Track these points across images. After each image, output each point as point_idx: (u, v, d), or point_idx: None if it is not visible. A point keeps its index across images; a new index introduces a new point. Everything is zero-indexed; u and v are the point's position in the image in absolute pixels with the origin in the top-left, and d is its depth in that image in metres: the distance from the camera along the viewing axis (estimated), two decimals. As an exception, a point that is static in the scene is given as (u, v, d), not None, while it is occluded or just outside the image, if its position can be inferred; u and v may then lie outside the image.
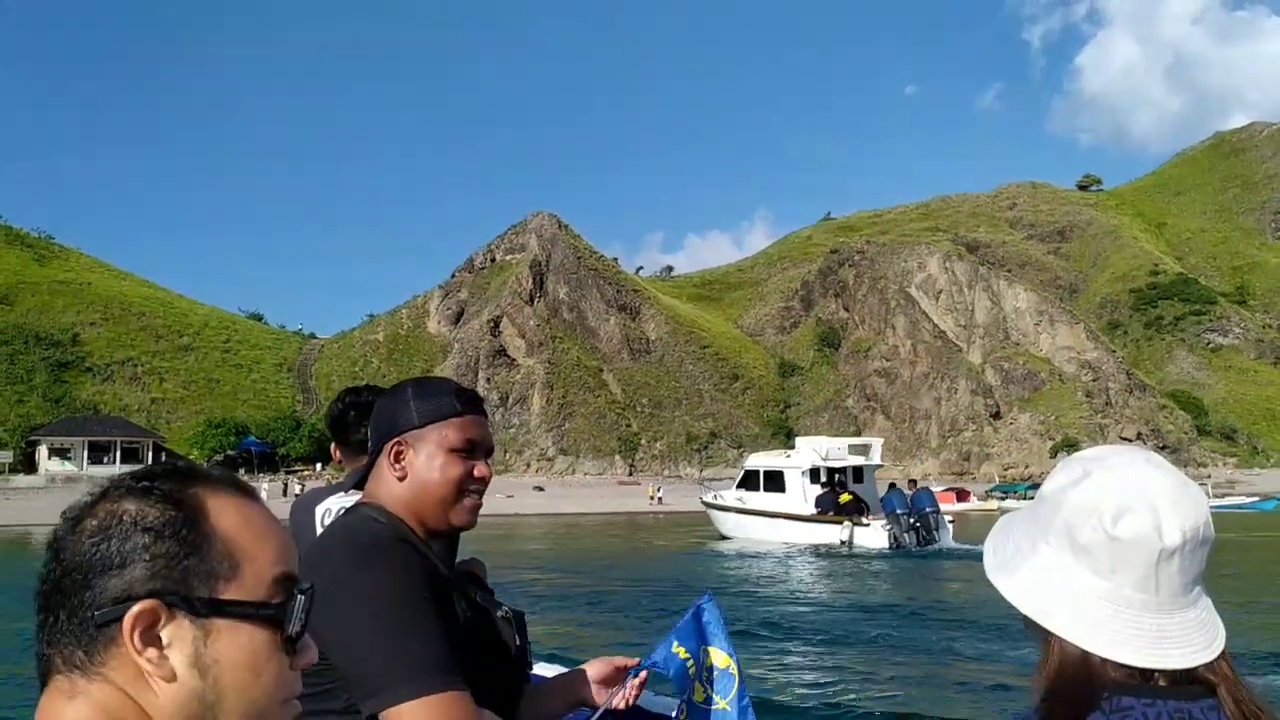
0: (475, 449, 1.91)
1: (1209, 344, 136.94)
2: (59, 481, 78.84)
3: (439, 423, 1.89)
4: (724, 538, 34.67)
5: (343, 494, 2.98)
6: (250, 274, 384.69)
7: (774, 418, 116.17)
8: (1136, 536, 1.14)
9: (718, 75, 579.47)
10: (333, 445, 3.36)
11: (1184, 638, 1.15)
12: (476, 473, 1.91)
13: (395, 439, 1.90)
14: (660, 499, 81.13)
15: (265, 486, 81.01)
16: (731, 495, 35.04)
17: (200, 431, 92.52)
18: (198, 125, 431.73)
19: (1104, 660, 1.15)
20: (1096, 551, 1.17)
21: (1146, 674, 1.15)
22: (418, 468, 1.88)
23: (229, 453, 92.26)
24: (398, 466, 1.88)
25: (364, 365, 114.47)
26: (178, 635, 0.94)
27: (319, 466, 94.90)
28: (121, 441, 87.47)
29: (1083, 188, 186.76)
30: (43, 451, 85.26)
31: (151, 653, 0.93)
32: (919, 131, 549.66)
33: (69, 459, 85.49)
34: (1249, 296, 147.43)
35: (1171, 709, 1.13)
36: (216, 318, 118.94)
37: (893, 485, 32.03)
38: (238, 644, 0.97)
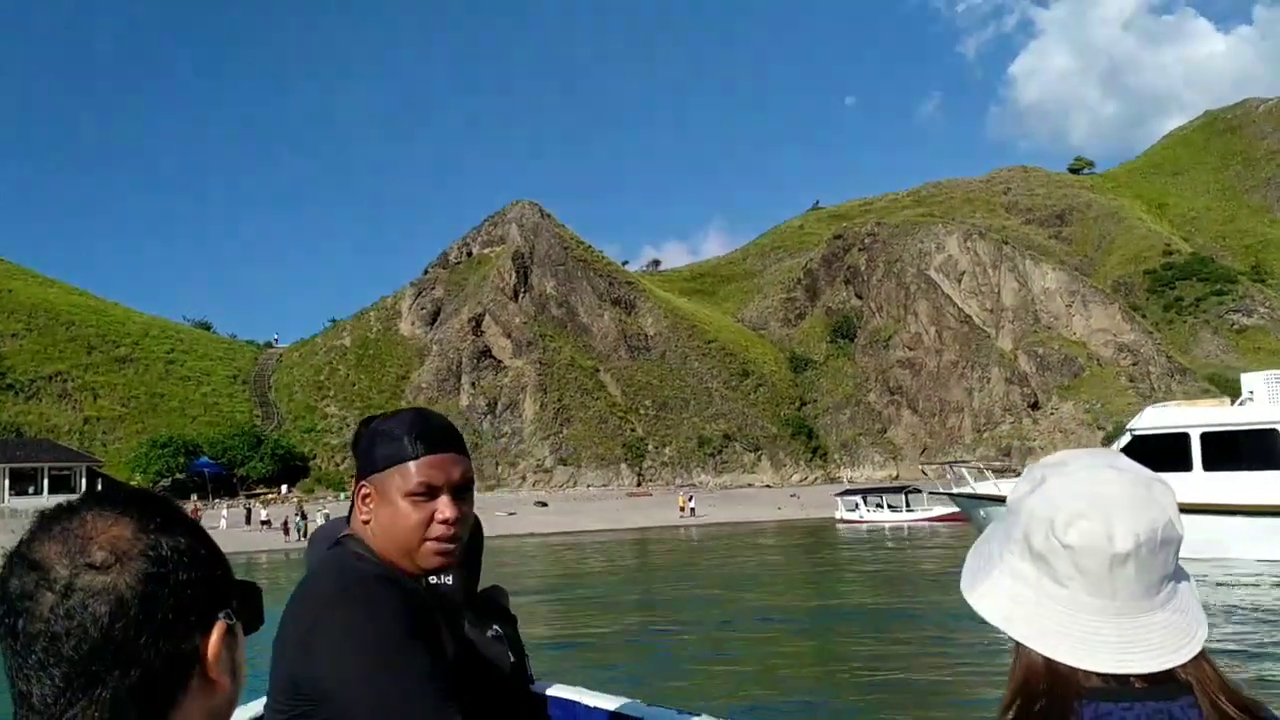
0: (435, 491, 1.85)
1: (1233, 325, 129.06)
2: (-26, 517, 65.68)
3: (396, 466, 1.85)
4: None
5: None
6: (194, 281, 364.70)
7: (792, 416, 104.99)
8: (1087, 543, 1.13)
9: (660, 95, 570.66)
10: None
11: (1150, 641, 1.13)
12: (439, 515, 1.84)
13: (361, 483, 1.89)
14: (693, 510, 70.57)
15: (225, 513, 68.25)
16: None
17: (143, 453, 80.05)
18: (130, 120, 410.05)
19: (1073, 668, 1.14)
20: (1052, 559, 1.15)
21: (1121, 677, 1.13)
22: (380, 514, 1.85)
23: (178, 476, 79.79)
24: (364, 510, 1.88)
25: (330, 374, 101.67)
26: (228, 644, 1.00)
27: (284, 488, 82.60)
28: (50, 467, 74.91)
29: (1075, 171, 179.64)
30: (-45, 482, 71.97)
31: (220, 668, 0.98)
32: (860, 139, 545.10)
33: (-14, 490, 72.25)
34: (1267, 275, 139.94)
35: (1150, 710, 1.11)
36: (158, 327, 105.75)
37: None
38: (241, 642, 1.04)
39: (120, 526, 0.95)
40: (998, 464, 43.72)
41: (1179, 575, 1.18)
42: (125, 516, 0.96)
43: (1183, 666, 1.12)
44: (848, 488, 66.72)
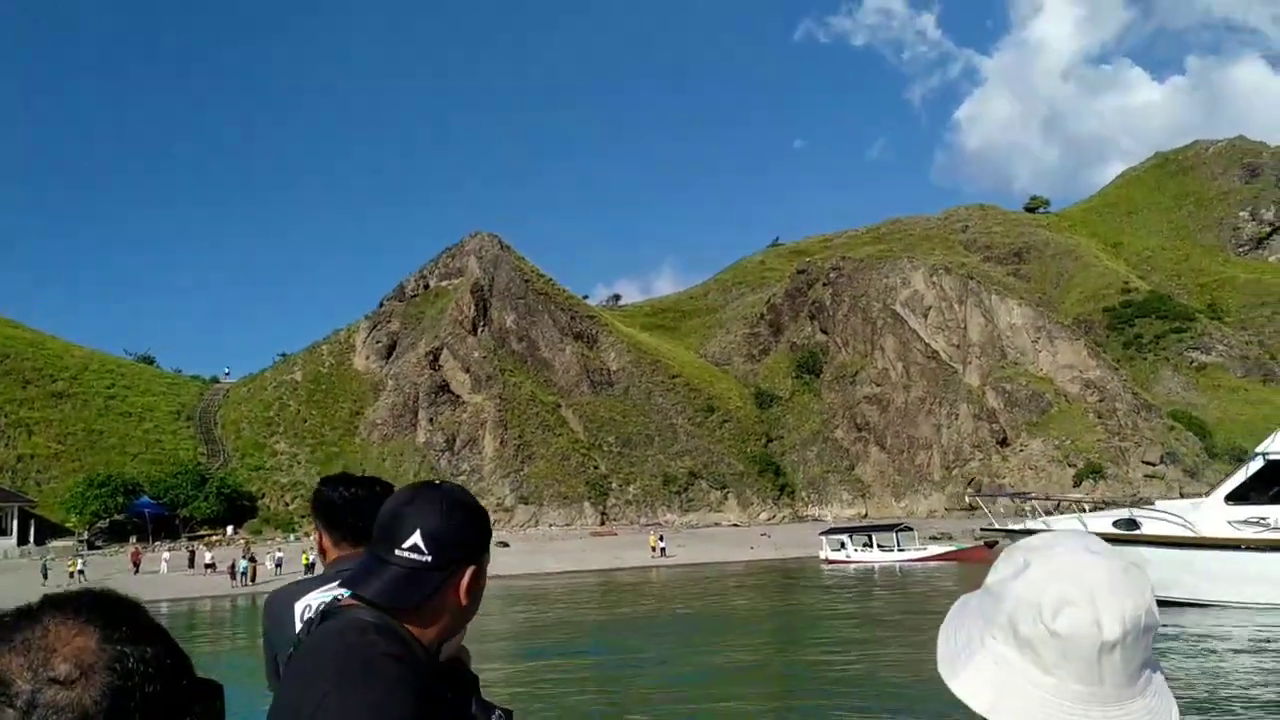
0: None
1: (1193, 362, 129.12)
2: (-107, 562, 61.04)
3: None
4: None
5: (324, 589, 2.86)
6: (137, 314, 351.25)
7: (758, 453, 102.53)
8: (1076, 631, 1.12)
9: (607, 134, 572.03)
10: (319, 533, 3.05)
11: None
12: None
13: (476, 562, 1.89)
14: (663, 549, 67.71)
15: (166, 556, 64.09)
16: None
17: (80, 493, 75.55)
18: (67, 147, 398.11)
19: None
20: (1038, 646, 1.14)
21: None
22: (476, 591, 1.89)
23: (117, 517, 75.46)
24: (476, 586, 1.88)
25: (280, 409, 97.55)
26: None
27: (230, 529, 78.47)
28: (-21, 508, 70.12)
29: (1030, 210, 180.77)
30: (-127, 525, 67.27)
31: None
32: (811, 180, 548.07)
33: (-92, 533, 67.66)
34: (1223, 313, 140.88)
35: None
36: (98, 361, 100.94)
37: None
38: None
39: (84, 636, 0.91)
40: (1043, 498, 38.47)
41: (1153, 662, 1.18)
42: (90, 625, 0.92)
43: None
44: (831, 525, 64.01)
